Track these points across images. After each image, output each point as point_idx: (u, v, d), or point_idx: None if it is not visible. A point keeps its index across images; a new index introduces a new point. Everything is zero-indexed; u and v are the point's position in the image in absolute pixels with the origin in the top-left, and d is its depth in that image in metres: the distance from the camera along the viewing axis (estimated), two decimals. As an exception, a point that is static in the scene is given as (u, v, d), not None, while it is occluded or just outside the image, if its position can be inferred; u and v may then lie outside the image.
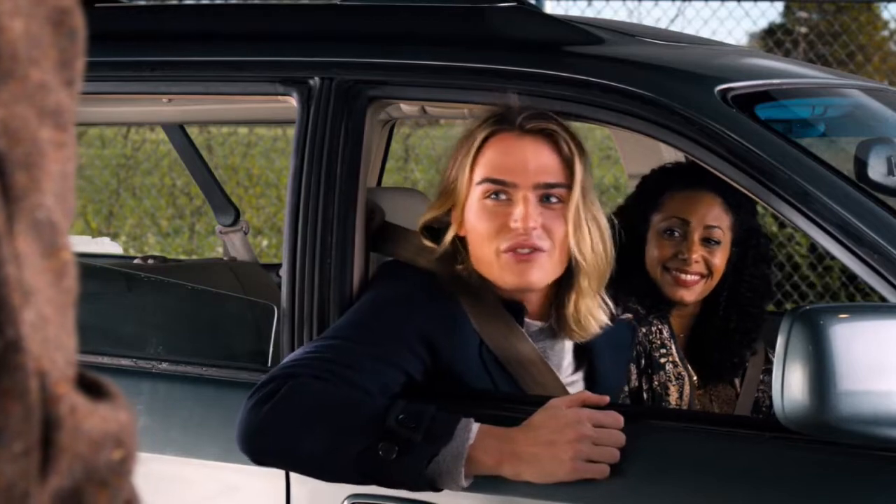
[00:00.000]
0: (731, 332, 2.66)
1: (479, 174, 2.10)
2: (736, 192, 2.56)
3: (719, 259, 2.58)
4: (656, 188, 2.64)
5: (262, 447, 1.92)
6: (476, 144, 2.11)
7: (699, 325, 2.69)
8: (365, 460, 1.85)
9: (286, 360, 2.01)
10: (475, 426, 1.88)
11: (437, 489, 1.88)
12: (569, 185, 2.09)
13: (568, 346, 2.22)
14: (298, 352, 2.02)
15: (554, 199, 2.09)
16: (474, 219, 2.10)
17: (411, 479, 1.87)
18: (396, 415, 1.86)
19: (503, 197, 2.08)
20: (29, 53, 0.64)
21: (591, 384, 2.23)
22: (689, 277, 2.56)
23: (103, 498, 0.65)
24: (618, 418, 1.89)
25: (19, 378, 0.61)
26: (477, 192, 2.10)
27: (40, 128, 0.64)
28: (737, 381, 2.71)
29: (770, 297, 2.77)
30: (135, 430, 0.67)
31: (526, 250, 2.06)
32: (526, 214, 2.05)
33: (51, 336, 0.63)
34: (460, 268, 2.12)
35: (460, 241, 2.14)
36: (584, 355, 2.24)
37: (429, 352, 2.02)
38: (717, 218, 2.58)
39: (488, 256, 2.08)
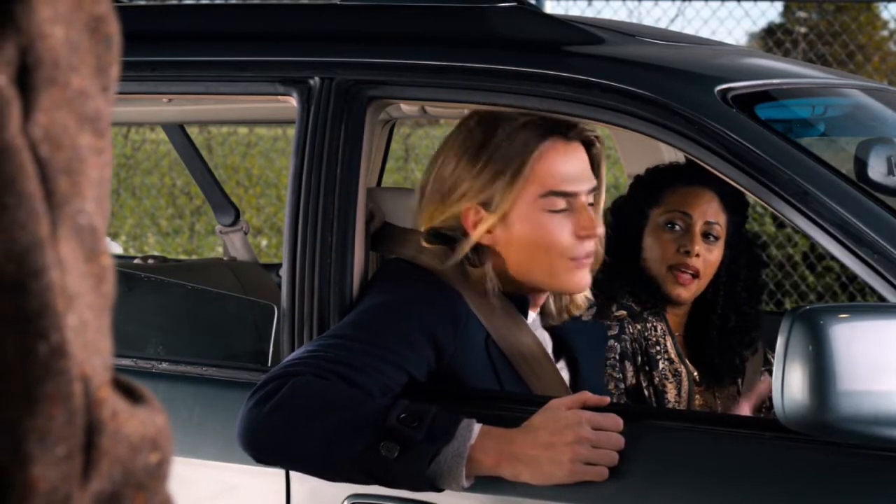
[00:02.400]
0: (731, 331, 2.69)
1: (539, 186, 2.09)
2: (731, 194, 2.60)
3: (715, 256, 2.61)
4: (655, 184, 2.67)
5: (262, 446, 1.92)
6: (534, 155, 2.09)
7: (695, 325, 2.70)
8: (366, 459, 1.85)
9: (288, 358, 2.00)
10: (476, 426, 1.88)
11: (438, 489, 1.88)
12: (599, 185, 2.17)
13: (548, 336, 2.24)
14: (300, 350, 2.02)
15: (591, 202, 2.15)
16: (532, 230, 2.10)
17: (412, 479, 1.86)
18: (398, 414, 1.86)
19: (561, 205, 2.10)
20: (69, 60, 0.64)
21: (573, 373, 2.24)
22: (686, 276, 2.58)
23: (140, 501, 0.65)
24: (617, 421, 1.89)
25: (63, 382, 0.62)
26: (539, 204, 2.10)
27: (80, 134, 0.65)
28: (738, 380, 2.72)
29: (762, 298, 2.80)
30: (170, 433, 0.67)
31: (586, 253, 2.10)
32: (593, 220, 2.10)
33: (90, 340, 0.64)
34: (483, 271, 2.11)
35: (477, 245, 2.13)
36: (562, 346, 2.26)
37: (434, 350, 2.02)
38: (715, 214, 2.62)
39: (549, 265, 2.10)
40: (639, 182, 2.73)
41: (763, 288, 2.82)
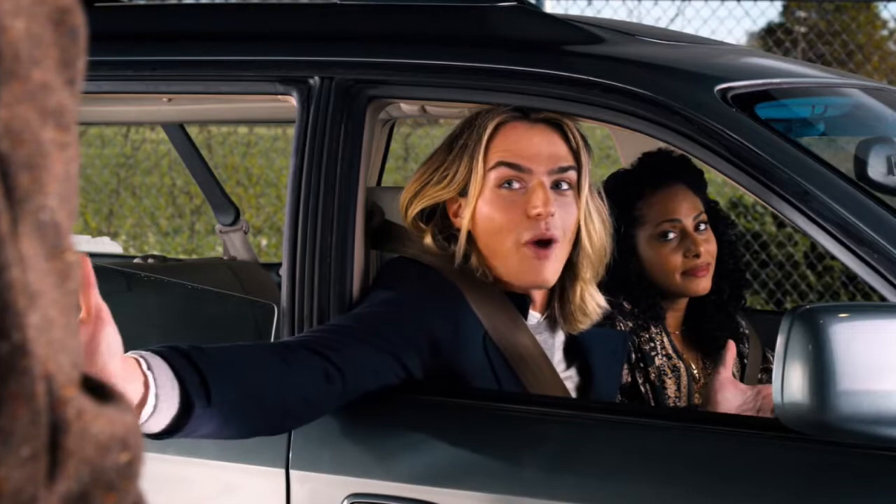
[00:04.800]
0: (727, 301, 2.71)
1: (492, 160, 2.11)
2: (693, 174, 2.60)
3: (713, 241, 2.62)
4: (624, 201, 2.61)
5: None
6: (488, 132, 2.12)
7: (694, 314, 2.70)
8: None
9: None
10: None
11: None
12: (578, 173, 2.14)
13: (559, 341, 2.23)
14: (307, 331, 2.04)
15: (565, 186, 2.13)
16: (489, 210, 2.11)
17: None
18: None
19: (517, 185, 2.11)
20: (31, 53, 0.63)
21: (585, 380, 2.23)
22: (701, 269, 2.59)
23: (110, 501, 0.64)
24: None
25: (26, 382, 0.61)
26: (490, 180, 2.11)
27: (43, 128, 0.63)
28: (737, 376, 2.72)
29: (738, 252, 2.83)
30: (140, 432, 0.66)
31: (545, 242, 2.07)
32: (546, 199, 2.08)
33: (56, 338, 0.63)
34: (474, 262, 2.12)
35: (466, 235, 2.15)
36: (576, 352, 2.24)
37: (430, 346, 2.02)
38: (696, 204, 2.63)
39: (505, 249, 2.09)
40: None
41: (735, 242, 2.82)
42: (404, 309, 2.04)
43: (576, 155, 2.15)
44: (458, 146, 2.16)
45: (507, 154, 2.11)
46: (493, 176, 2.11)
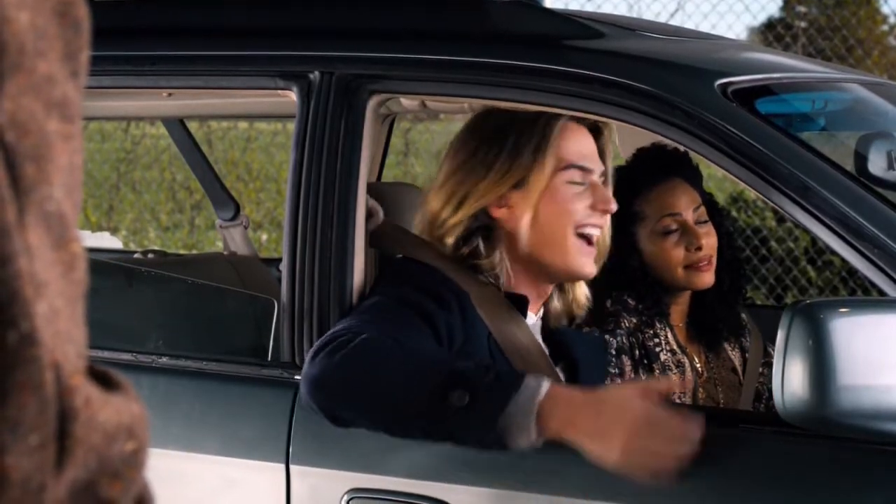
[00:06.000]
0: (727, 292, 2.71)
1: (563, 160, 2.16)
2: (689, 167, 2.61)
3: (713, 236, 2.62)
4: (622, 199, 2.59)
5: (333, 394, 1.88)
6: (555, 132, 2.16)
7: (696, 307, 2.70)
8: (434, 409, 1.80)
9: (336, 327, 1.99)
10: (545, 383, 1.80)
11: (505, 445, 1.80)
12: (606, 172, 2.23)
13: (543, 344, 2.24)
14: (341, 323, 2.00)
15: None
16: (553, 202, 2.15)
17: (482, 429, 1.79)
18: (466, 364, 1.85)
19: (579, 181, 2.17)
20: (35, 45, 0.63)
21: (572, 376, 2.24)
22: (704, 263, 2.59)
23: (116, 490, 0.65)
24: (686, 426, 1.80)
25: (34, 371, 0.61)
26: (560, 177, 2.16)
27: (48, 120, 0.64)
28: (739, 370, 2.73)
29: (737, 243, 2.85)
30: (147, 422, 0.67)
31: (597, 231, 2.16)
32: (611, 196, 2.19)
33: (62, 328, 0.63)
34: (493, 260, 2.16)
35: (488, 229, 2.17)
36: (560, 350, 2.26)
37: (449, 344, 2.02)
38: (694, 197, 2.63)
39: (562, 238, 2.15)
40: None
41: (732, 232, 2.83)
42: (427, 311, 2.03)
43: (603, 156, 2.23)
44: (514, 142, 2.16)
45: (574, 156, 2.17)
46: (565, 174, 2.16)
